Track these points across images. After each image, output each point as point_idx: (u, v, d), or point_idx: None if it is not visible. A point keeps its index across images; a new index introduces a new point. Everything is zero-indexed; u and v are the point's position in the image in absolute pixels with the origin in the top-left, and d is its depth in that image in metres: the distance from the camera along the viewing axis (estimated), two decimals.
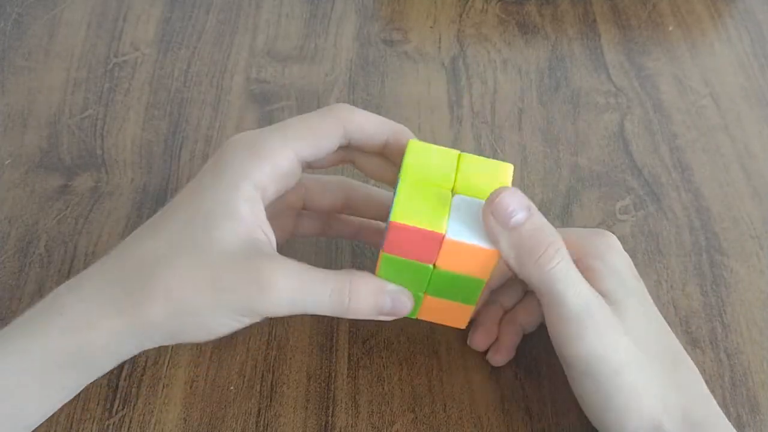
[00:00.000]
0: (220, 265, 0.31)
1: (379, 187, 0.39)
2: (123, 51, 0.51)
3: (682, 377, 0.33)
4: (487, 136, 0.48)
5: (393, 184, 0.34)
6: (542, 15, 0.55)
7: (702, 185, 0.46)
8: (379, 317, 0.33)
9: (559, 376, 0.35)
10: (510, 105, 0.50)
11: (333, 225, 0.40)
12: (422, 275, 0.33)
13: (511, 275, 0.37)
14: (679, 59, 0.53)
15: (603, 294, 0.32)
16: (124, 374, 0.37)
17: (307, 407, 0.36)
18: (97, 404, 0.36)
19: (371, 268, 0.33)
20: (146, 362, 0.37)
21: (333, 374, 0.37)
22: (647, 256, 0.43)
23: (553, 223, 0.32)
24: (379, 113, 0.35)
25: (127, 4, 0.54)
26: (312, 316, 0.39)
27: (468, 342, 0.38)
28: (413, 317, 0.36)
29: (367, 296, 0.32)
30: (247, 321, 0.32)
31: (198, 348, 0.38)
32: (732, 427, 0.32)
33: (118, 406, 0.36)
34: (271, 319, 0.38)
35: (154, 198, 0.44)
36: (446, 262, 0.32)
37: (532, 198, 0.39)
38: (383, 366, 0.38)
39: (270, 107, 0.48)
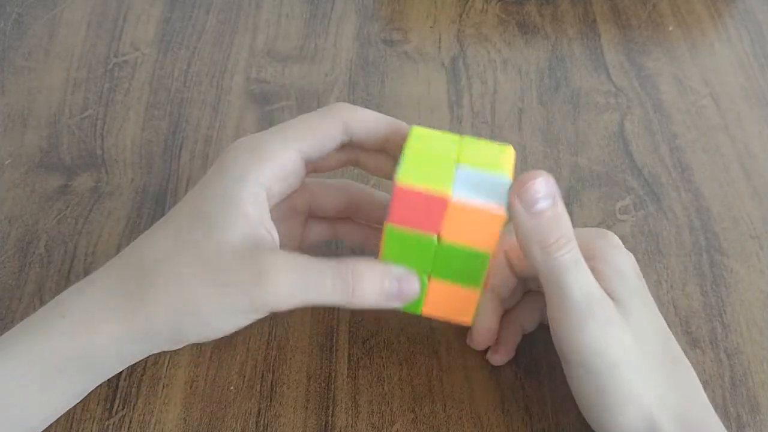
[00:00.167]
0: (220, 261, 0.31)
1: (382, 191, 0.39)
2: (123, 51, 0.51)
3: (681, 379, 0.33)
4: (487, 136, 0.48)
5: None
6: (542, 15, 0.55)
7: (702, 185, 0.46)
8: (387, 304, 0.33)
9: (559, 376, 0.35)
10: (510, 105, 0.50)
11: (340, 230, 0.39)
12: (426, 251, 0.32)
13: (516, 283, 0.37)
14: (679, 59, 0.53)
15: (608, 294, 0.32)
16: (124, 374, 0.37)
17: (307, 407, 0.36)
18: (97, 404, 0.36)
19: None
20: (146, 362, 0.37)
21: (333, 374, 0.37)
22: (647, 256, 0.43)
23: None
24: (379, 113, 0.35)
25: (127, 4, 0.54)
26: (312, 315, 0.39)
27: (467, 341, 0.38)
28: (418, 313, 0.35)
29: (372, 280, 0.32)
30: (251, 317, 0.32)
31: (198, 348, 0.38)
32: None
33: (118, 406, 0.36)
34: (271, 319, 0.39)
35: (154, 198, 0.44)
36: (451, 232, 0.32)
37: None
38: (383, 366, 0.38)
39: (270, 107, 0.48)
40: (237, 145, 0.34)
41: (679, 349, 0.34)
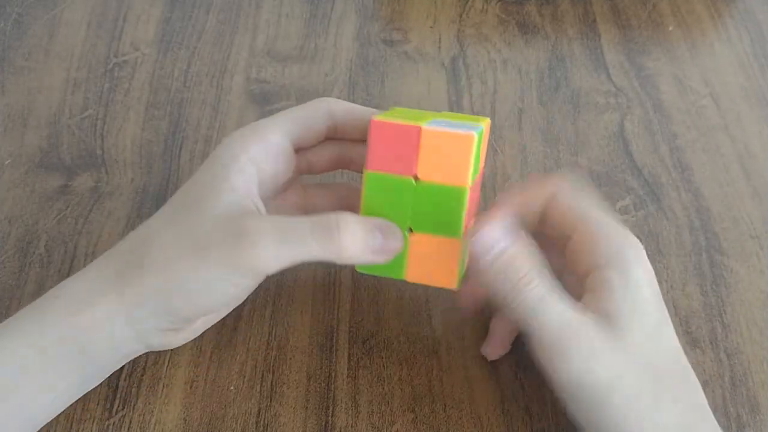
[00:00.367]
0: (201, 229, 0.32)
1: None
2: (123, 51, 0.51)
3: (684, 400, 0.31)
4: None
5: None
6: (542, 15, 0.55)
7: (702, 185, 0.46)
8: (373, 258, 0.33)
9: None
10: (510, 105, 0.50)
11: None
12: (405, 199, 0.33)
13: None
14: (679, 59, 0.53)
15: (610, 311, 0.31)
16: (124, 374, 0.37)
17: (307, 407, 0.36)
18: (97, 404, 0.36)
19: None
20: (146, 362, 0.37)
21: (333, 374, 0.37)
22: (647, 256, 0.43)
23: None
24: None
25: (127, 4, 0.54)
26: (312, 315, 0.39)
27: (481, 351, 0.38)
28: (402, 278, 0.35)
29: (356, 232, 0.32)
30: (239, 283, 0.32)
31: (198, 348, 0.38)
32: None
33: (118, 406, 0.36)
34: (271, 318, 0.39)
35: (154, 198, 0.44)
36: (426, 168, 0.33)
37: None
38: (383, 366, 0.38)
39: (270, 107, 0.48)
40: (228, 136, 0.35)
41: (688, 366, 0.32)
